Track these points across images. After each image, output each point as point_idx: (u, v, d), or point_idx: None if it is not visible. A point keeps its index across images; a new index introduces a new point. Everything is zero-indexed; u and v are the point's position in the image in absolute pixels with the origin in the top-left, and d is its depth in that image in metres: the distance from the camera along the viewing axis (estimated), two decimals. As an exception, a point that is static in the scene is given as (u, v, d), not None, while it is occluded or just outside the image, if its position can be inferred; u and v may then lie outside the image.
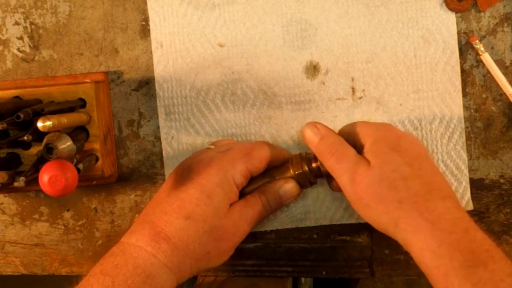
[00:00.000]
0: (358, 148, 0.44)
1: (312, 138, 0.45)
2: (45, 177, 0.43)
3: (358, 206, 0.42)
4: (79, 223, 0.54)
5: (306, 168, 0.46)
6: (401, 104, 0.51)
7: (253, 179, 0.47)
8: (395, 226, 0.40)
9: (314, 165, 0.46)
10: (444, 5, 0.50)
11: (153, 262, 0.40)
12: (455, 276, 0.36)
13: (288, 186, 0.46)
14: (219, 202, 0.42)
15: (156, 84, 0.53)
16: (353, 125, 0.46)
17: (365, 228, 0.52)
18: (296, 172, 0.46)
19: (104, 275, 0.38)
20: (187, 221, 0.41)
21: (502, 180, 0.51)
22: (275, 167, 0.48)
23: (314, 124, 0.46)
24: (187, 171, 0.44)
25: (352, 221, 0.51)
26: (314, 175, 0.47)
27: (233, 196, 0.44)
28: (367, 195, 0.41)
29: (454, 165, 0.51)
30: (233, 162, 0.44)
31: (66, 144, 0.44)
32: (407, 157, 0.41)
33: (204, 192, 0.42)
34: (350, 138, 0.45)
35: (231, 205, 0.44)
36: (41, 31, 0.53)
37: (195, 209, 0.42)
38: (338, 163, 0.42)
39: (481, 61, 0.50)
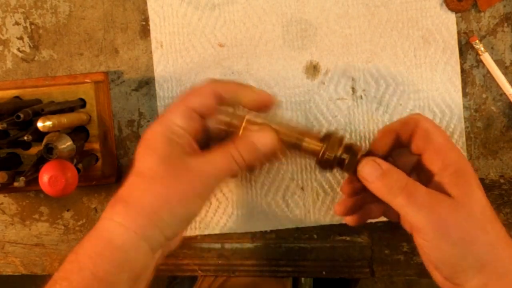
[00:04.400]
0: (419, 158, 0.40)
1: (371, 174, 0.39)
2: (45, 177, 0.43)
3: (441, 245, 0.37)
4: (79, 223, 0.54)
5: (339, 154, 0.41)
6: (401, 104, 0.51)
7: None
8: (481, 268, 0.36)
9: (345, 156, 0.41)
10: (444, 5, 0.50)
11: (110, 227, 0.39)
12: None
13: (263, 134, 0.41)
14: (163, 151, 0.40)
15: (156, 84, 0.53)
16: (427, 122, 0.40)
17: (365, 228, 0.52)
18: (327, 153, 0.41)
19: (71, 254, 0.38)
20: (137, 177, 0.40)
21: (502, 180, 0.51)
22: (307, 131, 0.43)
23: (373, 159, 0.40)
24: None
25: (352, 221, 0.51)
26: (337, 164, 0.42)
27: (180, 140, 0.40)
28: (455, 232, 0.36)
29: (454, 165, 0.51)
30: (171, 108, 0.41)
31: (66, 144, 0.44)
32: (485, 195, 0.38)
33: (148, 147, 0.41)
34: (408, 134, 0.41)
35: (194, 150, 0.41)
36: (41, 31, 0.53)
37: (142, 164, 0.40)
38: (410, 198, 0.37)
39: (481, 61, 0.50)
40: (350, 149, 0.41)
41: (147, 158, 0.40)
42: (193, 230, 0.53)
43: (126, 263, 0.38)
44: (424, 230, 0.37)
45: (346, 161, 0.41)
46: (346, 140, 0.42)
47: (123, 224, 0.38)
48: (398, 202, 0.38)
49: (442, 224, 0.36)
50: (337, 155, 0.41)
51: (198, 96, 0.41)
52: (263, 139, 0.41)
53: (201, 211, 0.41)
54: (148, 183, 0.39)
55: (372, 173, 0.39)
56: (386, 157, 0.42)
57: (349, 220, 0.45)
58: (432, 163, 0.39)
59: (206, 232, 0.53)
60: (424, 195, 0.37)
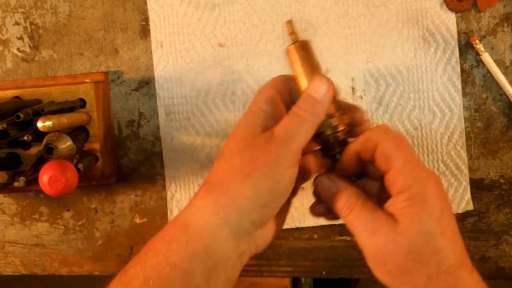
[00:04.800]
0: (378, 165, 0.38)
1: (326, 192, 0.40)
2: (45, 177, 0.43)
3: (378, 269, 0.37)
4: (79, 223, 0.54)
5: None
6: (401, 104, 0.51)
7: None
8: None
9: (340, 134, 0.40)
10: (444, 5, 0.50)
11: (189, 211, 0.37)
12: None
13: (314, 82, 0.39)
14: (241, 130, 0.39)
15: (156, 84, 0.53)
16: (386, 143, 0.37)
17: (365, 228, 0.52)
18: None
19: (150, 240, 0.37)
20: (218, 160, 0.39)
21: (502, 180, 0.51)
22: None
23: (328, 176, 0.40)
24: None
25: (352, 221, 0.51)
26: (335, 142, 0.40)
27: (259, 119, 0.39)
28: (391, 261, 0.36)
29: (454, 165, 0.51)
30: (253, 100, 0.41)
31: (66, 144, 0.44)
32: (441, 224, 0.36)
33: (234, 137, 0.39)
34: (370, 150, 0.38)
35: None
36: (41, 31, 0.53)
37: (224, 147, 0.40)
38: (357, 219, 0.37)
39: (481, 61, 0.50)
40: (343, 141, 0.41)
41: (227, 141, 0.39)
42: (193, 230, 0.53)
43: (202, 249, 0.36)
44: (365, 252, 0.37)
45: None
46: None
47: (202, 207, 0.37)
48: (348, 220, 0.38)
49: (379, 252, 0.36)
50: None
51: (273, 82, 0.41)
52: (317, 85, 0.39)
53: (284, 184, 0.38)
54: (227, 162, 0.38)
55: (325, 192, 0.40)
56: (358, 174, 0.41)
57: (330, 217, 0.44)
58: (391, 185, 0.37)
59: (206, 232, 0.53)
60: (369, 218, 0.37)
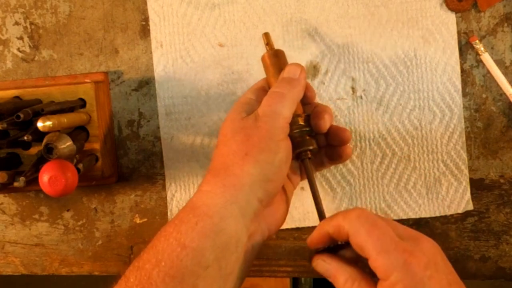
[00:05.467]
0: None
1: (326, 272, 0.40)
2: (45, 177, 0.43)
3: None
4: (79, 223, 0.54)
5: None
6: (401, 104, 0.51)
7: None
8: None
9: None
10: (444, 5, 0.50)
11: (197, 195, 0.39)
12: None
13: (289, 65, 0.44)
14: (232, 115, 0.43)
15: (156, 84, 0.53)
16: (358, 232, 0.36)
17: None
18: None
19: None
20: (216, 147, 0.42)
21: (502, 180, 0.51)
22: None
23: (323, 259, 0.39)
24: None
25: (352, 221, 0.51)
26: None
27: (248, 106, 0.43)
28: None
29: (454, 165, 0.51)
30: (243, 94, 0.46)
31: (66, 144, 0.44)
32: None
33: (225, 124, 0.43)
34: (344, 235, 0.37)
35: None
36: (41, 31, 0.53)
37: (220, 138, 0.43)
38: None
39: (481, 61, 0.50)
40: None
41: (221, 129, 0.43)
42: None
43: (211, 229, 0.36)
44: None
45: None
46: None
47: (209, 190, 0.39)
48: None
49: None
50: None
51: (261, 81, 0.46)
52: (291, 68, 0.44)
53: (282, 155, 0.40)
54: (224, 146, 0.41)
55: (324, 273, 0.40)
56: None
57: None
58: (374, 271, 0.36)
59: (206, 232, 0.53)
60: (353, 278, 0.37)
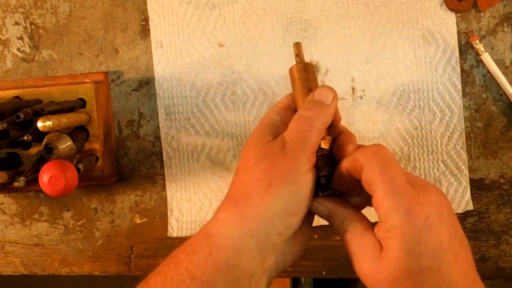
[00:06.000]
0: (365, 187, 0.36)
1: (321, 213, 0.40)
2: (45, 177, 0.43)
3: None
4: (79, 223, 0.54)
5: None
6: (401, 104, 0.51)
7: None
8: None
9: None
10: (444, 5, 0.50)
11: (212, 223, 0.37)
12: None
13: (320, 88, 0.40)
14: (254, 140, 0.40)
15: (156, 84, 0.53)
16: (370, 167, 0.35)
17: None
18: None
19: (173, 251, 0.37)
20: (236, 173, 0.39)
21: (502, 180, 0.51)
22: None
23: (317, 201, 0.39)
24: None
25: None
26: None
27: (271, 128, 0.40)
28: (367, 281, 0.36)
29: (454, 165, 0.51)
30: (265, 113, 0.43)
31: (66, 144, 0.44)
32: (423, 260, 0.34)
33: (247, 148, 0.40)
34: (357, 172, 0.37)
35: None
36: (41, 31, 0.53)
37: (240, 159, 0.40)
38: (348, 242, 0.38)
39: (481, 61, 0.50)
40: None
41: (242, 153, 0.40)
42: (193, 230, 0.53)
43: (224, 262, 0.35)
44: (357, 274, 0.37)
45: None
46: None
47: (226, 219, 0.36)
48: (343, 241, 0.39)
49: (366, 278, 0.36)
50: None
51: (285, 99, 0.43)
52: (324, 91, 0.40)
53: (306, 189, 0.37)
54: (245, 173, 0.38)
55: (320, 215, 0.40)
56: (353, 189, 0.40)
57: None
58: (376, 210, 0.36)
59: (206, 232, 0.53)
60: (357, 244, 0.37)
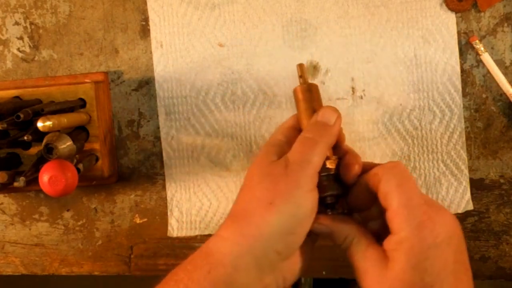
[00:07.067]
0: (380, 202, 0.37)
1: (323, 233, 0.40)
2: (45, 177, 0.43)
3: None
4: (79, 223, 0.54)
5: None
6: (401, 104, 0.51)
7: None
8: None
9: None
10: (444, 5, 0.50)
11: (213, 240, 0.38)
12: None
13: (324, 109, 0.41)
14: (259, 159, 0.40)
15: (156, 84, 0.53)
16: (388, 180, 0.36)
17: (365, 228, 0.52)
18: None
19: (174, 268, 0.37)
20: (241, 190, 0.40)
21: (502, 180, 0.51)
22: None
23: (318, 223, 0.39)
24: None
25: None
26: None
27: (276, 148, 0.41)
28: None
29: (454, 165, 0.51)
30: (272, 134, 0.44)
31: (66, 144, 0.44)
32: (429, 275, 0.34)
33: (253, 167, 0.41)
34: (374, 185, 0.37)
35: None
36: (41, 31, 0.53)
37: (246, 181, 0.41)
38: (352, 257, 0.38)
39: (481, 61, 0.50)
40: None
41: (248, 171, 0.40)
42: (193, 230, 0.53)
43: (223, 280, 0.35)
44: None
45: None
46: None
47: (227, 237, 0.37)
48: (347, 256, 0.39)
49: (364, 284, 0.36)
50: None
51: (291, 119, 0.44)
52: (327, 112, 0.41)
53: (307, 208, 0.38)
54: (248, 191, 0.39)
55: (323, 235, 0.40)
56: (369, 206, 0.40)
57: None
58: (389, 223, 0.36)
59: (207, 232, 0.53)
60: (361, 258, 0.37)
